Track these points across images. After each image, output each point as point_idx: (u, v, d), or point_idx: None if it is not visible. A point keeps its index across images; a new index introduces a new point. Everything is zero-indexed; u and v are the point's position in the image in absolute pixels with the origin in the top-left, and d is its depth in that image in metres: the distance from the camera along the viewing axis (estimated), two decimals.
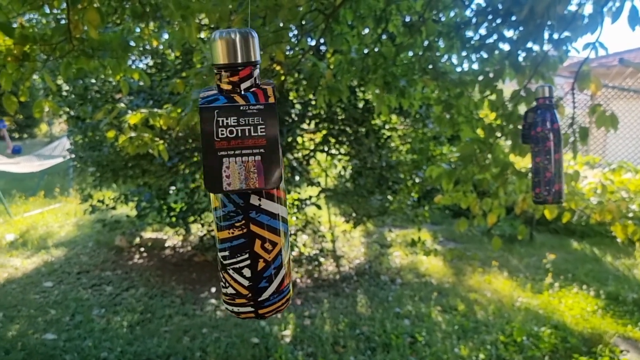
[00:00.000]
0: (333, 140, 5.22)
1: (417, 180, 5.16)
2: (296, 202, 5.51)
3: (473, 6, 3.07)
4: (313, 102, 4.89)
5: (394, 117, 5.37)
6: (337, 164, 5.84)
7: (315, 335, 3.79)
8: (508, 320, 4.10)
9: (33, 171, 8.79)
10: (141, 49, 4.58)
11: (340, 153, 5.38)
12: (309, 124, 5.33)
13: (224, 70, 0.65)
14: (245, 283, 0.66)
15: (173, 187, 5.41)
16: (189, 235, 6.30)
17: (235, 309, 0.68)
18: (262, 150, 0.62)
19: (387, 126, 5.71)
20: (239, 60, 0.64)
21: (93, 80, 4.89)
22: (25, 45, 2.60)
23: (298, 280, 5.17)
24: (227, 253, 0.69)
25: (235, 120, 0.63)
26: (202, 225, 5.44)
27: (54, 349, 3.46)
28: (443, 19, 3.27)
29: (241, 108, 0.63)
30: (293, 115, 4.85)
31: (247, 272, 0.66)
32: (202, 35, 3.36)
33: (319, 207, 5.28)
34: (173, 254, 6.05)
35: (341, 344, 3.68)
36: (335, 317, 4.18)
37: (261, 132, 0.62)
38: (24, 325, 3.84)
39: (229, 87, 0.65)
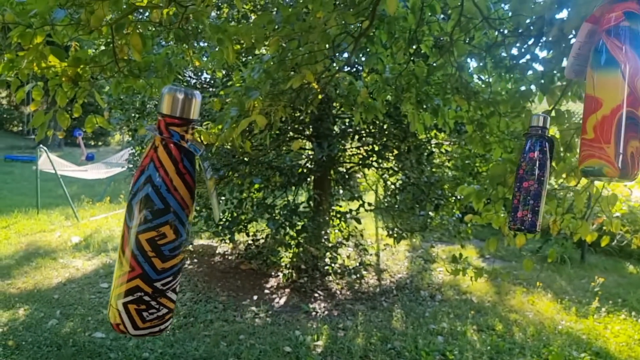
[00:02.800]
0: (375, 156, 5.29)
1: (459, 197, 5.14)
2: (338, 215, 5.62)
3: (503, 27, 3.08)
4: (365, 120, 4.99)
5: (441, 133, 5.37)
6: (381, 179, 5.90)
7: (346, 347, 3.87)
8: (546, 343, 4.00)
9: (100, 178, 9.39)
10: (189, 68, 4.84)
11: (381, 167, 5.44)
12: (352, 139, 5.44)
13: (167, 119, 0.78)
14: (175, 297, 0.79)
15: (222, 197, 5.65)
16: (239, 245, 6.54)
17: (165, 325, 0.80)
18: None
19: (433, 142, 5.73)
20: (178, 115, 0.78)
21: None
22: (78, 67, 2.86)
23: (337, 292, 5.26)
24: (170, 278, 0.82)
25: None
26: (248, 235, 5.64)
27: (101, 347, 3.73)
28: (474, 39, 3.29)
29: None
30: (336, 130, 4.96)
31: (177, 288, 0.78)
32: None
33: (358, 221, 5.35)
34: (222, 261, 6.31)
35: (370, 358, 3.74)
36: (368, 330, 4.24)
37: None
38: (77, 323, 4.16)
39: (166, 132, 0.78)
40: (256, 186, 5.56)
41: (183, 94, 0.79)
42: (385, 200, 5.74)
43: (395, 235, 5.82)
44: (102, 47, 3.02)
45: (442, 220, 5.37)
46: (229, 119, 3.28)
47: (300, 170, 5.28)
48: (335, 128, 5.16)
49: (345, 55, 3.66)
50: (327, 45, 3.00)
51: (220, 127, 3.44)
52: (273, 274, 5.81)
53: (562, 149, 2.98)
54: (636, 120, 0.91)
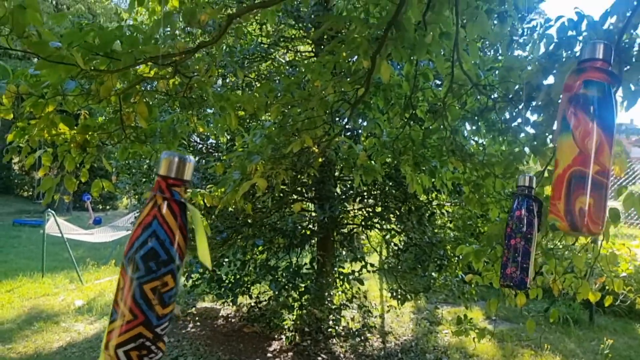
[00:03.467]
0: (377, 218, 5.35)
1: (461, 257, 5.14)
2: (341, 277, 5.61)
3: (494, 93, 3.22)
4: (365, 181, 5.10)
5: (441, 194, 5.45)
6: (384, 240, 5.93)
7: None
8: None
9: (106, 241, 9.44)
10: (192, 134, 5.00)
11: (383, 229, 5.48)
12: (354, 201, 5.51)
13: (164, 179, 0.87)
14: (166, 340, 0.84)
15: (226, 259, 5.68)
16: (242, 307, 6.49)
17: None
18: None
19: (434, 203, 5.79)
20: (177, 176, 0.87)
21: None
22: (87, 134, 2.98)
23: (341, 356, 5.17)
24: (167, 323, 0.89)
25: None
26: (250, 297, 5.61)
27: None
28: (467, 104, 3.42)
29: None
30: (338, 192, 5.05)
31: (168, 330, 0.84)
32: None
33: (361, 282, 5.34)
34: (225, 324, 6.24)
35: None
36: None
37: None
38: None
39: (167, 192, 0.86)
40: (259, 248, 5.59)
41: (181, 159, 0.88)
42: (388, 261, 5.74)
43: (399, 296, 5.78)
44: (111, 115, 3.18)
45: (445, 281, 5.34)
46: (231, 182, 3.38)
47: (302, 232, 5.32)
48: (337, 190, 5.25)
49: (345, 120, 3.80)
50: (325, 112, 3.13)
51: (223, 190, 3.53)
52: (276, 336, 5.73)
53: None
54: (585, 178, 0.98)
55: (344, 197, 5.26)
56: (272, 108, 3.29)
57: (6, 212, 17.11)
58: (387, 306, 6.56)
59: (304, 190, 5.52)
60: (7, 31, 1.99)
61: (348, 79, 3.05)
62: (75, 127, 2.89)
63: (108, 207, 23.91)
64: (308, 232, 5.44)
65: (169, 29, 2.70)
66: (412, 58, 3.04)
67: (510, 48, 2.86)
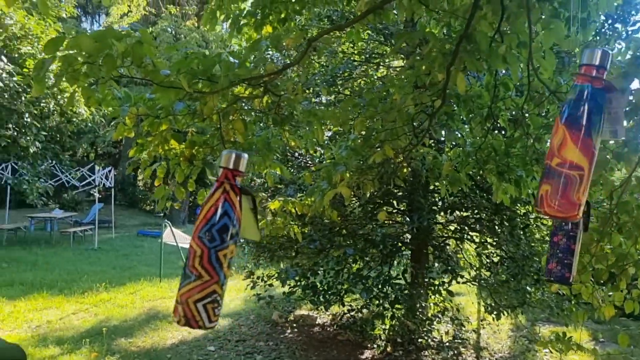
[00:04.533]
0: (467, 229, 5.34)
1: None
2: (434, 288, 5.64)
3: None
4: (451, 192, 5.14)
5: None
6: (475, 252, 5.87)
7: None
8: None
9: None
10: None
11: (474, 241, 5.45)
12: (445, 212, 5.55)
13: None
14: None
15: (321, 268, 5.95)
16: (337, 316, 6.72)
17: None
18: None
19: (533, 215, 5.65)
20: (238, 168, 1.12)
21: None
22: (193, 149, 3.38)
23: None
24: (227, 281, 1.14)
25: None
26: (343, 305, 5.82)
27: None
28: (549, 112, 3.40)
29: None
30: (429, 202, 5.13)
31: None
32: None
33: (451, 294, 5.33)
34: (320, 330, 6.50)
35: None
36: None
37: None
38: None
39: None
40: (354, 257, 5.80)
41: (238, 155, 1.13)
42: (480, 273, 5.68)
43: (494, 311, 5.68)
44: (212, 132, 3.57)
45: (542, 297, 5.18)
46: (320, 192, 3.64)
47: (392, 242, 5.45)
48: (429, 200, 5.32)
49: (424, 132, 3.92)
50: (405, 123, 3.29)
51: (313, 199, 3.79)
52: (369, 345, 5.87)
53: None
54: (547, 168, 1.12)
55: (434, 208, 5.32)
56: (356, 121, 3.52)
57: (132, 224, 18.89)
58: (481, 321, 6.45)
59: (393, 201, 5.65)
60: (129, 62, 2.40)
61: (426, 92, 3.20)
62: (184, 143, 3.31)
63: None
64: (398, 243, 5.55)
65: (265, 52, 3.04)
66: (489, 69, 3.13)
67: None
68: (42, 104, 9.09)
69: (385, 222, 6.18)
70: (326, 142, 4.40)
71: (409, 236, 5.77)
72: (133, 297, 7.64)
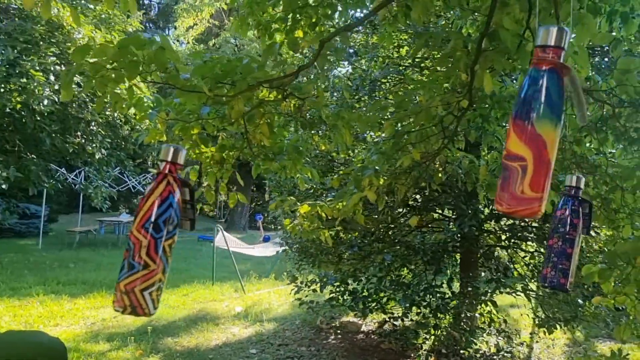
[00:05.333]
0: (514, 238, 5.12)
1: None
2: (481, 299, 5.43)
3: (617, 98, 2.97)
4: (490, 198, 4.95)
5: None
6: (522, 261, 5.61)
7: None
8: None
9: (266, 255, 10.33)
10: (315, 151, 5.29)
11: (524, 250, 5.21)
12: (489, 219, 5.35)
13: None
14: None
15: (365, 275, 5.89)
16: (383, 323, 6.62)
17: None
18: None
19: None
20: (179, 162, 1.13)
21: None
22: (223, 152, 3.45)
23: None
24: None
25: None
26: (385, 312, 5.72)
27: None
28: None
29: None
30: (471, 209, 4.97)
31: None
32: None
33: (494, 304, 5.11)
34: (364, 338, 6.42)
35: None
36: None
37: None
38: None
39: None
40: (397, 265, 5.70)
41: (178, 148, 1.15)
42: (526, 284, 5.41)
43: (546, 324, 5.40)
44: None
45: (596, 310, 4.87)
46: (349, 196, 3.61)
47: (435, 249, 5.31)
48: (474, 206, 5.15)
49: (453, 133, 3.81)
50: (432, 125, 3.20)
51: (344, 202, 3.76)
52: (412, 355, 5.73)
53: None
54: (502, 164, 1.03)
55: (480, 215, 5.13)
56: (385, 124, 3.47)
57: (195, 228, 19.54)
58: (531, 334, 6.13)
59: (436, 207, 5.51)
60: (154, 68, 2.48)
61: (456, 93, 3.10)
62: (213, 147, 3.38)
63: (279, 227, 25.79)
64: (441, 251, 5.40)
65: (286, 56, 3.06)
66: (522, 68, 2.99)
67: (618, 48, 2.65)
68: (107, 113, 9.60)
69: (429, 228, 6.05)
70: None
71: (455, 244, 5.60)
72: (185, 299, 7.88)
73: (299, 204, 3.65)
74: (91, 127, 9.64)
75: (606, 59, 5.21)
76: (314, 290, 6.31)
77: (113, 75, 2.38)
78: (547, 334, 5.53)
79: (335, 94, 5.60)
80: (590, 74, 2.77)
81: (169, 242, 1.14)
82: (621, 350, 4.56)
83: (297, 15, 3.55)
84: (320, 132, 3.70)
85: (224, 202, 23.77)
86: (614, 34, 2.98)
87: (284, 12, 3.65)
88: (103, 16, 10.69)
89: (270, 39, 3.82)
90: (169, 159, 1.15)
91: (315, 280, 6.02)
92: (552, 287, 1.47)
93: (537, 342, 6.25)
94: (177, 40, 20.76)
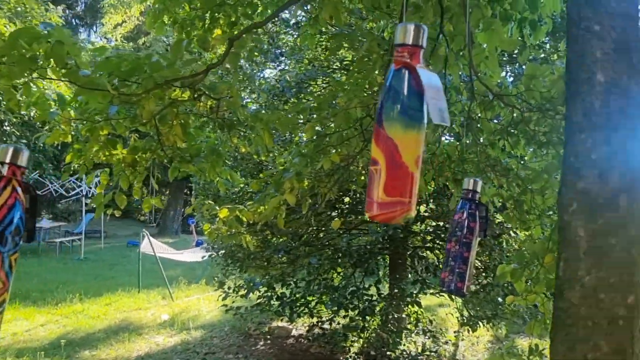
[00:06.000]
0: (438, 239, 5.21)
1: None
2: (408, 300, 5.50)
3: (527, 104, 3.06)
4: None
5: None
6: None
7: None
8: None
9: (197, 260, 10.05)
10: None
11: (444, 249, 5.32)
12: (418, 222, 5.42)
13: None
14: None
15: (293, 279, 5.81)
16: (313, 327, 6.57)
17: None
18: None
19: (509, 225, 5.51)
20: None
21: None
22: (135, 154, 3.26)
23: None
24: None
25: None
26: (312, 316, 5.68)
27: None
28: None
29: None
30: None
31: None
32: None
33: (419, 304, 5.19)
34: (294, 343, 6.35)
35: None
36: None
37: None
38: None
39: None
40: (326, 268, 5.66)
41: (19, 149, 1.02)
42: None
43: (470, 323, 5.54)
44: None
45: (515, 308, 5.03)
46: (270, 199, 3.51)
47: (361, 252, 5.32)
48: None
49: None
50: (350, 127, 3.17)
51: (265, 207, 3.65)
52: (341, 358, 5.72)
53: None
54: None
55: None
56: (306, 126, 3.41)
57: (124, 234, 18.78)
58: (456, 333, 6.28)
59: (363, 209, 5.53)
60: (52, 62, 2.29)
61: (375, 95, 3.09)
62: (125, 149, 3.19)
63: None
64: (367, 254, 5.41)
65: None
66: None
67: (523, 54, 2.73)
68: (22, 113, 9.03)
69: (359, 230, 6.07)
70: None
71: (382, 246, 5.63)
72: (107, 308, 7.51)
73: (217, 207, 3.52)
74: (4, 127, 9.04)
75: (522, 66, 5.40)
76: (243, 296, 6.17)
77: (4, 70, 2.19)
78: (471, 331, 5.67)
79: (265, 95, 5.50)
80: (501, 79, 2.83)
81: (15, 256, 1.00)
82: (538, 345, 4.73)
83: (216, 14, 3.43)
84: (240, 133, 3.59)
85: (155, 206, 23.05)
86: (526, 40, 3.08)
87: (201, 10, 3.52)
88: (19, 9, 10.07)
89: (187, 37, 3.67)
90: (10, 160, 1.02)
91: (242, 286, 5.88)
92: (450, 292, 1.45)
93: (462, 340, 6.40)
94: (105, 38, 19.92)
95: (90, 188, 13.19)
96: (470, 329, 5.57)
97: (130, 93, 2.54)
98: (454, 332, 6.27)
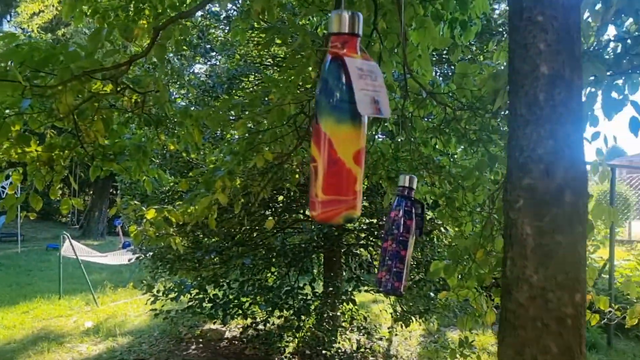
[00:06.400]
0: (371, 237, 5.25)
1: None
2: (343, 297, 5.50)
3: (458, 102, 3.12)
4: None
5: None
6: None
7: None
8: None
9: (122, 263, 9.63)
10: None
11: (380, 247, 5.36)
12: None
13: None
14: None
15: (226, 280, 5.65)
16: (247, 329, 6.44)
17: None
18: None
19: (439, 222, 5.63)
20: None
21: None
22: (52, 152, 3.02)
23: None
24: None
25: None
26: (246, 318, 5.56)
27: None
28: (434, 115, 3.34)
29: None
30: None
31: None
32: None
33: (354, 302, 5.21)
34: (228, 345, 6.19)
35: None
36: None
37: None
38: None
39: None
40: (260, 267, 5.55)
41: None
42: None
43: (403, 318, 5.61)
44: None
45: (446, 302, 5.15)
46: (200, 199, 3.37)
47: (296, 251, 5.26)
48: None
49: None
50: (284, 124, 3.10)
51: (195, 207, 3.50)
52: (276, 359, 5.63)
53: None
54: None
55: None
56: (237, 123, 3.29)
57: (43, 237, 17.72)
58: (389, 328, 6.37)
59: (297, 207, 5.48)
60: None
61: (305, 90, 3.03)
62: (41, 146, 2.94)
63: None
64: (302, 253, 5.37)
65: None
66: None
67: (456, 53, 2.77)
68: None
69: (294, 229, 6.01)
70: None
71: (317, 244, 5.60)
72: (24, 317, 7.00)
73: (144, 208, 3.34)
74: None
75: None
76: (173, 299, 5.94)
77: None
78: (404, 327, 5.75)
79: (194, 91, 5.30)
80: (433, 78, 2.85)
81: None
82: (467, 337, 4.86)
83: (140, 4, 3.25)
84: (168, 130, 3.42)
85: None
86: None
87: (124, 0, 3.32)
88: None
89: (110, 28, 3.45)
90: None
91: (172, 289, 5.65)
92: (387, 292, 1.41)
93: (395, 335, 6.49)
94: (21, 28, 18.65)
95: (4, 188, 12.31)
96: (403, 324, 5.65)
97: (44, 85, 2.35)
98: (388, 328, 6.35)
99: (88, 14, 3.43)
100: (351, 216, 0.87)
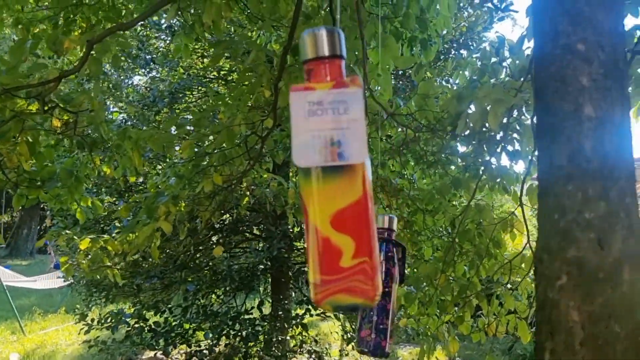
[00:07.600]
0: None
1: None
2: (293, 321, 5.28)
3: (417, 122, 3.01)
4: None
5: None
6: None
7: None
8: None
9: (53, 287, 8.97)
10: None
11: None
12: (301, 240, 5.24)
13: None
14: None
15: (168, 306, 5.31)
16: (191, 357, 6.07)
17: None
18: None
19: None
20: None
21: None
22: None
23: None
24: None
25: None
26: (190, 346, 5.22)
27: None
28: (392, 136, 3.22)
29: None
30: (279, 231, 4.78)
31: None
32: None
33: (305, 327, 5.01)
34: None
35: None
36: None
37: None
38: None
39: None
40: (204, 293, 5.25)
41: None
42: None
43: (354, 340, 5.46)
44: None
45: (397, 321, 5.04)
46: (141, 227, 3.09)
47: (243, 274, 5.00)
48: (282, 228, 4.98)
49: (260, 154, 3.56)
50: (235, 145, 2.89)
51: (136, 234, 3.21)
52: None
53: (490, 245, 2.81)
54: None
55: (287, 234, 4.97)
56: (183, 144, 3.04)
57: None
58: (340, 351, 6.21)
59: (244, 228, 5.23)
60: None
61: (260, 111, 2.84)
62: None
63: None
64: (250, 275, 5.11)
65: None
66: None
67: (420, 72, 2.66)
68: None
69: (241, 249, 5.75)
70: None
71: (265, 266, 5.36)
72: None
73: (76, 238, 3.01)
74: None
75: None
76: (109, 328, 5.51)
77: None
78: (354, 347, 5.59)
79: (131, 110, 4.95)
80: (392, 98, 2.73)
81: None
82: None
83: (71, 15, 2.94)
84: (104, 153, 3.10)
85: (5, 223, 20.57)
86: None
87: (52, 10, 3.01)
88: None
89: (35, 39, 3.12)
90: None
91: (108, 318, 5.23)
92: (372, 353, 1.22)
93: (346, 355, 6.33)
94: None
95: None
96: (354, 345, 5.49)
97: None
98: (340, 350, 6.18)
99: (8, 23, 3.10)
100: (347, 302, 0.61)
